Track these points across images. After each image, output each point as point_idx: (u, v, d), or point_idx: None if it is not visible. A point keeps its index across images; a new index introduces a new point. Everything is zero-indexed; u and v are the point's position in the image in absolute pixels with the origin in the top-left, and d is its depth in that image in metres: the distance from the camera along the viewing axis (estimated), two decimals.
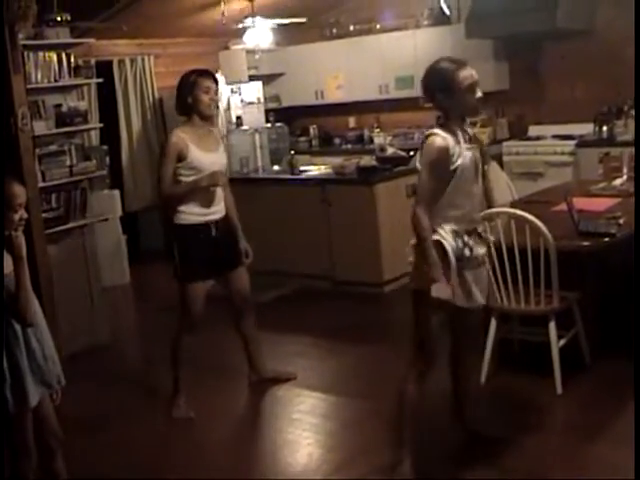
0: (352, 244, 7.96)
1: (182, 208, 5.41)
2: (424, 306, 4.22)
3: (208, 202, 5.47)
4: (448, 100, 4.19)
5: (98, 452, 5.15)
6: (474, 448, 4.63)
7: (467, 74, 4.17)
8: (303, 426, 5.30)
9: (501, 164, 9.28)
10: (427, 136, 4.23)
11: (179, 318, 5.61)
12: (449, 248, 4.15)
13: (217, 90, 5.54)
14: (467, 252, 4.22)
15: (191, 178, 5.38)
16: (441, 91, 4.20)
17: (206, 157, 5.42)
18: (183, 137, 5.37)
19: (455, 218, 4.21)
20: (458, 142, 4.17)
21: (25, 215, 3.82)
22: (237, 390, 5.95)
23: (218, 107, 5.75)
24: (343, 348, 6.65)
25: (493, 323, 5.47)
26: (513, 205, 6.09)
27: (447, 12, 10.42)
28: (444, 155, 4.13)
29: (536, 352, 5.43)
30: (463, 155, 4.16)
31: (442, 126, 4.23)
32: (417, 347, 4.34)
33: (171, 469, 4.92)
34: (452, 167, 4.13)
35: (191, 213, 5.43)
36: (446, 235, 4.18)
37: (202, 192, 5.42)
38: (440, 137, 4.15)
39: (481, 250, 4.32)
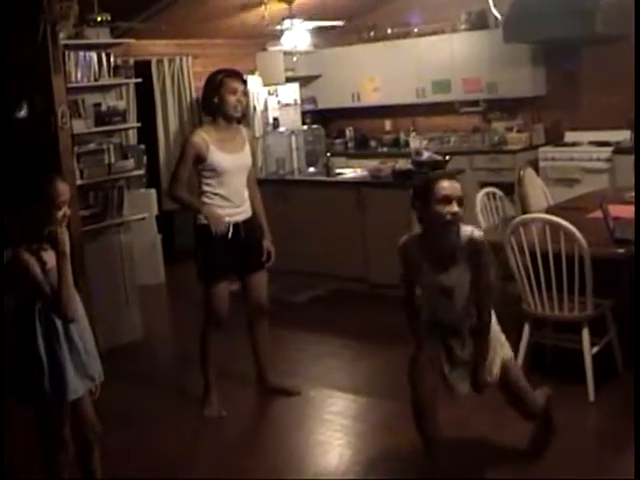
0: (387, 247, 7.88)
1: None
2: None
3: (231, 202, 5.48)
4: (424, 208, 4.13)
5: (127, 449, 5.18)
6: (502, 455, 4.63)
7: (444, 185, 4.03)
8: (334, 427, 5.32)
9: (537, 170, 9.24)
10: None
11: (204, 316, 5.63)
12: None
13: (244, 91, 5.51)
14: (444, 355, 4.24)
15: (212, 180, 5.40)
16: (420, 198, 4.14)
17: (227, 158, 5.40)
18: (205, 137, 5.35)
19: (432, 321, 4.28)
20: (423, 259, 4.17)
21: (68, 212, 3.89)
22: (267, 392, 5.96)
23: (246, 108, 5.70)
24: (375, 350, 6.66)
25: (526, 329, 5.47)
26: (548, 211, 6.09)
27: (498, 16, 10.35)
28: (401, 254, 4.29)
29: (569, 359, 5.43)
30: (424, 278, 4.20)
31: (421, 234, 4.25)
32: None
33: (199, 469, 4.96)
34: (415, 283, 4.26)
35: None
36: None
37: (225, 195, 5.44)
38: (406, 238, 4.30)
39: (462, 356, 4.24)
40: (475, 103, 11.11)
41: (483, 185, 8.00)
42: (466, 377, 4.23)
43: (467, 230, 4.11)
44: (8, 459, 4.54)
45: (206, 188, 5.43)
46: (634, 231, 5.10)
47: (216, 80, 5.42)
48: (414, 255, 4.18)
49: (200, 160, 5.35)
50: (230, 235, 5.44)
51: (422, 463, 4.41)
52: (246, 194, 5.61)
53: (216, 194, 5.43)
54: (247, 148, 5.61)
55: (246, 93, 5.59)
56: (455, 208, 3.99)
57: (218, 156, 5.36)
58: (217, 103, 5.38)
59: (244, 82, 5.52)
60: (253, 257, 5.65)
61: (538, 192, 7.04)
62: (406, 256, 4.23)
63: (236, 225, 5.49)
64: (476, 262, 4.12)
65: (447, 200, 3.99)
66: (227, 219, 5.43)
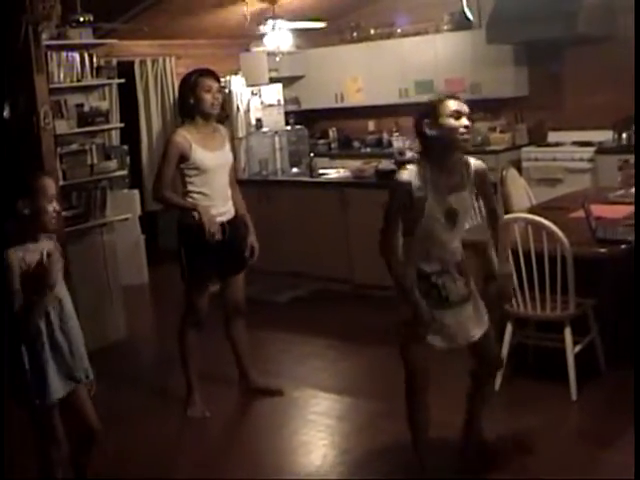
0: (370, 247, 7.87)
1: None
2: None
3: (215, 202, 5.47)
4: (432, 127, 4.07)
5: (110, 449, 5.18)
6: (486, 454, 4.64)
7: (453, 102, 4.05)
8: (318, 427, 5.33)
9: (520, 170, 9.26)
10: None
11: (182, 316, 5.63)
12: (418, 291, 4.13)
13: (219, 88, 5.50)
14: (434, 293, 4.14)
15: (196, 178, 5.39)
16: (427, 117, 4.08)
17: (210, 156, 5.41)
18: (187, 136, 5.35)
19: (424, 260, 4.16)
20: (426, 186, 4.02)
21: (57, 207, 3.92)
22: (250, 391, 5.95)
23: (224, 107, 5.68)
24: (358, 350, 6.67)
25: (509, 328, 5.48)
26: (531, 211, 6.11)
27: (471, 17, 10.42)
28: (402, 190, 4.06)
29: (551, 358, 5.44)
30: (427, 205, 4.03)
31: (420, 161, 4.15)
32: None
33: (182, 469, 4.96)
34: (419, 212, 4.04)
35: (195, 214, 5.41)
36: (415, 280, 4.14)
37: (208, 194, 5.44)
38: (407, 172, 4.08)
39: (455, 288, 4.18)
40: None
41: None
42: (459, 322, 4.20)
43: (470, 159, 4.17)
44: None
45: (190, 187, 5.43)
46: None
47: (190, 81, 5.43)
48: (417, 187, 4.00)
49: (183, 159, 5.34)
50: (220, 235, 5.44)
51: (409, 461, 4.42)
52: (229, 193, 5.62)
53: (200, 193, 5.42)
54: (227, 146, 5.63)
55: (221, 90, 5.56)
56: (467, 122, 4.00)
57: (201, 154, 5.36)
58: (194, 103, 5.39)
59: (218, 79, 5.51)
60: (237, 257, 5.65)
61: (521, 192, 7.06)
62: (408, 191, 4.01)
63: (222, 225, 5.47)
64: (482, 190, 4.22)
65: (458, 115, 4.01)
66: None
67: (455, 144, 4.03)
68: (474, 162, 4.18)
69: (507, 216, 4.91)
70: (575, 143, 9.84)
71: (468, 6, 10.57)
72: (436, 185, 4.03)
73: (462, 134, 4.00)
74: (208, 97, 5.39)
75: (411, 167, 4.08)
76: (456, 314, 4.19)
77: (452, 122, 3.99)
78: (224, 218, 5.52)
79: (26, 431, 4.17)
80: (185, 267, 5.49)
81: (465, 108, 4.04)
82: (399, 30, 11.47)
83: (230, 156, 5.66)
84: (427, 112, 4.07)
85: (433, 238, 4.10)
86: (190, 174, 5.40)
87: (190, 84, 5.41)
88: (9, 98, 6.51)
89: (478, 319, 4.28)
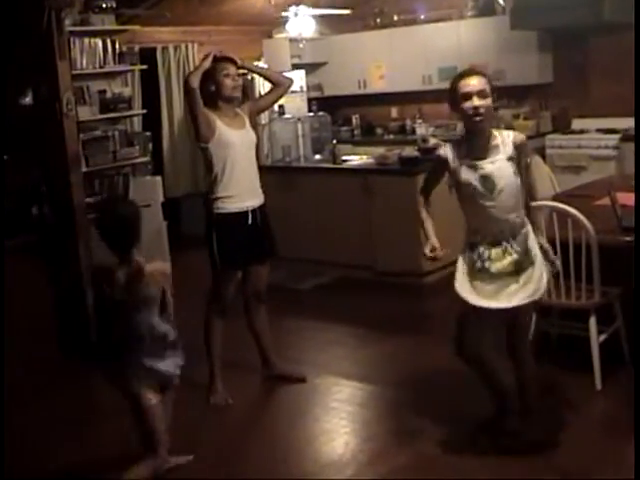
0: (393, 234, 7.93)
1: (220, 195, 5.39)
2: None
3: (245, 187, 5.45)
4: (453, 109, 4.26)
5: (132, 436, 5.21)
6: (511, 445, 4.61)
7: (463, 83, 4.17)
8: (340, 415, 5.31)
9: (544, 157, 9.21)
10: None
11: (209, 303, 5.63)
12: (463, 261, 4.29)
13: (238, 72, 5.47)
14: (478, 265, 4.24)
15: (221, 159, 5.34)
16: (449, 100, 4.27)
17: (234, 133, 5.38)
18: (210, 113, 5.32)
19: (474, 230, 4.29)
20: (461, 157, 4.23)
21: None
22: (272, 378, 5.94)
23: (245, 90, 5.63)
24: (381, 337, 6.65)
25: (533, 316, 5.44)
26: (555, 199, 6.05)
27: (502, 2, 10.31)
28: (438, 162, 4.36)
29: (576, 347, 5.40)
30: (462, 172, 4.22)
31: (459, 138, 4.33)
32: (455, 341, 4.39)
33: (204, 455, 4.93)
34: (458, 180, 4.25)
35: (229, 201, 5.39)
36: (464, 250, 4.31)
37: (238, 177, 5.41)
38: (442, 148, 4.32)
39: (503, 262, 4.26)
40: None
41: None
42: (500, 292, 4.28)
43: (508, 132, 4.33)
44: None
45: (216, 169, 5.36)
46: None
47: (210, 68, 5.38)
48: (452, 159, 4.27)
49: (209, 133, 5.30)
50: (250, 222, 5.43)
51: (430, 449, 4.40)
52: (257, 179, 5.58)
53: (229, 178, 5.37)
54: (248, 125, 5.58)
55: (240, 74, 5.53)
56: (475, 102, 4.11)
57: (225, 130, 5.33)
58: (214, 90, 5.36)
59: (235, 63, 5.47)
60: (264, 246, 5.64)
61: (545, 179, 7.00)
62: (444, 163, 4.30)
63: (253, 211, 5.48)
64: (519, 162, 4.29)
65: (468, 96, 4.13)
66: (241, 204, 5.42)
67: (471, 124, 4.20)
68: (514, 134, 4.33)
69: (532, 203, 4.84)
70: (600, 130, 9.78)
71: None
72: (469, 155, 4.22)
73: (472, 116, 4.13)
74: (228, 81, 5.38)
75: (447, 144, 4.35)
76: (498, 286, 4.26)
77: (464, 105, 4.15)
78: (255, 203, 5.51)
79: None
80: (216, 253, 5.44)
81: (476, 86, 4.15)
82: (422, 16, 11.41)
83: (254, 135, 5.61)
84: (449, 93, 4.26)
85: (477, 207, 4.23)
86: (216, 152, 5.34)
87: (208, 72, 5.37)
88: (32, 84, 6.52)
89: (525, 290, 4.33)
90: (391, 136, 11.90)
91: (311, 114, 10.91)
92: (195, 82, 5.21)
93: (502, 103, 10.86)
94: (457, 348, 4.39)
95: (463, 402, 5.13)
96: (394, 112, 12.25)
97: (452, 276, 4.40)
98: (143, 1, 9.08)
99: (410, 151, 8.26)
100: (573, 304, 5.24)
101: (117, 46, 7.19)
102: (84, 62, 6.87)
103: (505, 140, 4.26)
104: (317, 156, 9.67)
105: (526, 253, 4.31)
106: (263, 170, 5.87)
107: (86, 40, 6.88)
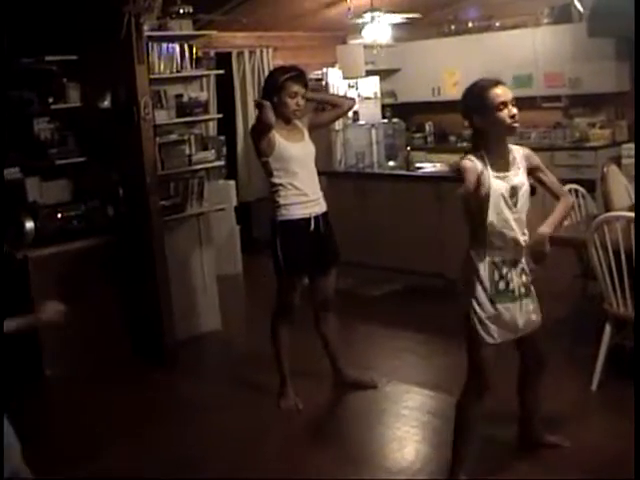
0: (465, 243, 7.88)
1: (282, 202, 5.42)
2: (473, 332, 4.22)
3: (306, 194, 5.45)
4: (482, 120, 4.11)
5: (204, 436, 5.25)
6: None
7: (498, 92, 4.09)
8: (411, 422, 5.31)
9: (620, 167, 9.09)
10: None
11: (276, 309, 5.65)
12: (485, 282, 4.14)
13: (304, 94, 5.45)
14: (502, 285, 4.16)
15: (283, 172, 5.37)
16: (475, 111, 4.12)
17: (294, 147, 5.38)
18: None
19: (497, 247, 4.16)
20: (486, 168, 4.07)
21: None
22: (342, 385, 5.94)
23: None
24: (451, 346, 6.55)
25: (607, 329, 5.37)
26: (632, 209, 5.97)
27: (581, 9, 10.20)
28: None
29: None
30: (492, 183, 4.07)
31: (474, 150, 4.14)
32: (470, 373, 4.31)
33: (272, 459, 4.97)
34: (483, 192, 4.06)
35: (292, 208, 5.41)
36: (483, 271, 4.15)
37: (299, 188, 5.41)
38: (468, 160, 4.07)
39: (520, 282, 4.22)
40: (557, 98, 10.97)
41: (564, 182, 7.86)
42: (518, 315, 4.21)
43: (517, 147, 4.28)
44: None
45: (277, 180, 5.42)
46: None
47: (277, 81, 5.38)
48: (481, 171, 4.05)
49: (269, 148, 5.33)
50: (312, 228, 5.44)
51: (500, 459, 4.37)
52: (319, 186, 5.59)
53: (289, 186, 5.40)
54: (307, 137, 5.56)
55: (306, 95, 5.48)
56: (514, 110, 4.07)
57: (285, 144, 5.34)
58: (276, 103, 5.33)
59: (305, 84, 5.46)
60: (329, 253, 5.64)
61: (621, 190, 6.92)
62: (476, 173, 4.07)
63: (316, 218, 5.48)
64: (538, 169, 4.32)
65: (505, 105, 4.06)
66: (304, 211, 5.43)
67: (506, 134, 4.14)
68: (520, 147, 4.30)
69: (608, 214, 4.81)
70: None
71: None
72: (494, 166, 4.09)
73: (511, 124, 4.07)
74: (292, 103, 5.37)
75: (470, 156, 4.09)
76: (517, 307, 4.20)
77: (499, 115, 4.05)
78: (318, 210, 5.51)
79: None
80: (280, 259, 5.46)
81: (509, 94, 4.12)
82: (497, 23, 11.35)
83: (312, 147, 5.59)
84: (476, 103, 4.12)
85: (501, 221, 4.10)
86: (276, 166, 5.38)
87: (276, 85, 5.37)
88: (111, 88, 6.61)
89: (535, 313, 4.32)
90: (464, 144, 11.80)
91: (385, 120, 10.91)
92: (272, 119, 5.21)
93: (578, 111, 10.78)
94: (479, 395, 4.30)
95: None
96: None
97: None
98: (219, 7, 9.15)
99: None
100: None
101: (194, 51, 7.24)
102: (162, 66, 6.92)
103: (515, 153, 4.23)
104: (390, 163, 9.66)
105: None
106: (336, 176, 5.88)
107: (164, 45, 6.94)
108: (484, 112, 4.06)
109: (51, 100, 6.66)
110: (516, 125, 4.09)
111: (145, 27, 6.45)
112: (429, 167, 8.95)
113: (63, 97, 6.70)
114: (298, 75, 5.45)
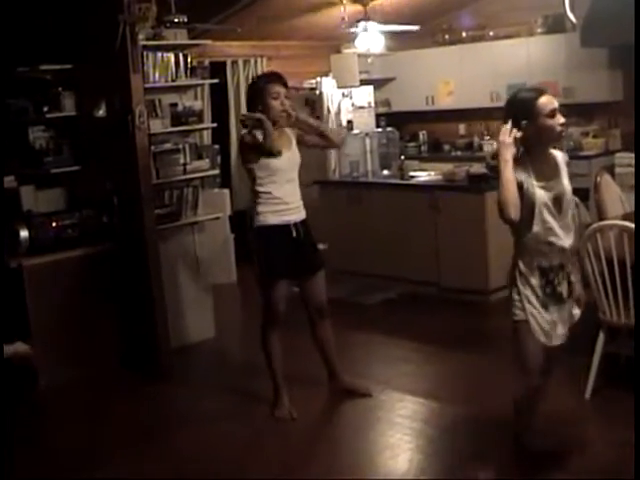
0: (459, 251, 7.92)
1: (262, 210, 5.45)
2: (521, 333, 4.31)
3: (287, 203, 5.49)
4: (532, 127, 4.17)
5: (195, 448, 5.25)
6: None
7: (547, 100, 4.18)
8: (404, 430, 5.30)
9: (613, 176, 9.12)
10: None
11: (263, 318, 5.65)
12: (536, 288, 4.25)
13: (287, 94, 5.49)
14: (549, 289, 4.25)
15: (266, 180, 5.41)
16: (526, 118, 4.18)
17: (281, 158, 5.40)
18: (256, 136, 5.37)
19: (543, 254, 4.25)
20: (530, 177, 4.17)
21: None
22: (337, 392, 5.96)
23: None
24: (445, 354, 6.63)
25: (601, 337, 5.38)
26: (625, 218, 6.00)
27: (574, 20, 10.22)
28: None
29: None
30: (536, 192, 4.17)
31: (520, 159, 4.21)
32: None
33: (267, 467, 4.97)
34: (529, 201, 4.15)
35: (271, 215, 5.45)
36: (531, 277, 4.26)
37: (279, 196, 5.46)
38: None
39: (564, 287, 4.31)
40: None
41: None
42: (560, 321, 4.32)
43: (558, 152, 4.37)
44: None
45: (260, 189, 5.45)
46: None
47: (258, 87, 5.48)
48: (525, 179, 4.17)
49: (255, 155, 5.37)
50: (294, 235, 5.48)
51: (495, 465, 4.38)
52: (299, 194, 5.62)
53: (270, 195, 5.44)
54: (294, 146, 5.60)
55: (289, 96, 5.55)
56: (562, 119, 4.18)
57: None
58: (261, 110, 5.39)
59: (285, 85, 5.51)
60: (311, 258, 5.67)
61: (615, 198, 6.95)
62: (519, 185, 4.17)
63: (296, 225, 5.52)
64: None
65: (554, 113, 4.16)
66: (281, 218, 5.46)
67: (555, 140, 4.27)
68: (561, 153, 4.39)
69: (602, 223, 4.82)
70: None
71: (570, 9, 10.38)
72: (538, 175, 4.18)
73: (560, 132, 4.19)
74: (276, 104, 5.42)
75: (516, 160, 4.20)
76: (562, 312, 4.33)
77: (550, 122, 4.16)
78: (297, 218, 5.55)
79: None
80: (261, 267, 5.50)
81: (556, 103, 4.21)
82: (491, 33, 11.38)
83: (298, 156, 5.64)
84: (525, 111, 4.20)
85: (547, 228, 4.20)
86: (260, 175, 5.42)
87: (257, 91, 5.45)
88: (105, 97, 6.63)
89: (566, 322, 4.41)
90: (458, 153, 11.87)
91: (379, 129, 10.93)
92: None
93: (571, 120, 10.78)
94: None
95: None
96: (462, 129, 12.22)
97: None
98: (214, 16, 9.16)
99: (478, 168, 8.23)
100: None
101: (189, 60, 7.26)
102: (156, 75, 6.94)
103: (559, 159, 4.32)
104: (385, 171, 9.68)
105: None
106: (331, 185, 5.90)
107: (158, 54, 6.96)
108: (535, 119, 4.15)
109: (46, 109, 6.68)
110: (564, 133, 4.23)
111: (140, 36, 6.46)
112: (423, 176, 8.96)
113: (58, 106, 6.72)
114: (276, 76, 5.56)
